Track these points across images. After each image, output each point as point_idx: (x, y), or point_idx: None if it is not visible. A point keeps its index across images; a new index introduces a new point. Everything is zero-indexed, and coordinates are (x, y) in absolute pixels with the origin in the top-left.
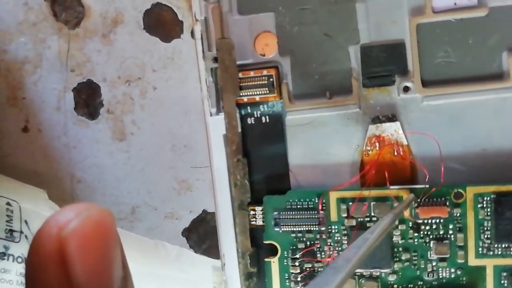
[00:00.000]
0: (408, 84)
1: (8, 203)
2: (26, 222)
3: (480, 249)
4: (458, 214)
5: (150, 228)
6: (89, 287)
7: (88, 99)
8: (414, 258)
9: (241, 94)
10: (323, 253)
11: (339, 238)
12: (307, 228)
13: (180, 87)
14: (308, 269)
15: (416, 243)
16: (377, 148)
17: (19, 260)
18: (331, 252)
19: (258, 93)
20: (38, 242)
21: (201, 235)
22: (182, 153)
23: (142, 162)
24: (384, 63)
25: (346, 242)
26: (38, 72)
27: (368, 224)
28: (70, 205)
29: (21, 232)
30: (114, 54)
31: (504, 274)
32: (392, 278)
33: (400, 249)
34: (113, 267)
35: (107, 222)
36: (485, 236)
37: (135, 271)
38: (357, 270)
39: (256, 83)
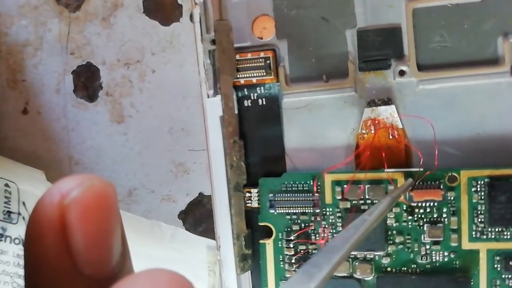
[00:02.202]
0: (404, 68)
1: (6, 185)
2: (24, 203)
3: (473, 232)
4: (452, 198)
5: (147, 211)
6: (88, 256)
7: (87, 81)
8: (407, 241)
9: (238, 76)
10: (317, 235)
11: (333, 221)
12: (302, 210)
13: (179, 70)
14: (302, 251)
15: (410, 226)
16: (373, 131)
17: (16, 241)
18: (325, 234)
19: (255, 75)
20: (39, 209)
21: (197, 218)
22: (179, 136)
23: (139, 144)
24: (380, 47)
25: (340, 224)
26: (39, 55)
27: (362, 207)
28: (73, 175)
29: (19, 213)
30: (114, 37)
31: (498, 258)
32: (385, 261)
33: (394, 232)
34: (113, 239)
35: (109, 194)
36: (479, 220)
37: (131, 252)
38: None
39: (253, 65)
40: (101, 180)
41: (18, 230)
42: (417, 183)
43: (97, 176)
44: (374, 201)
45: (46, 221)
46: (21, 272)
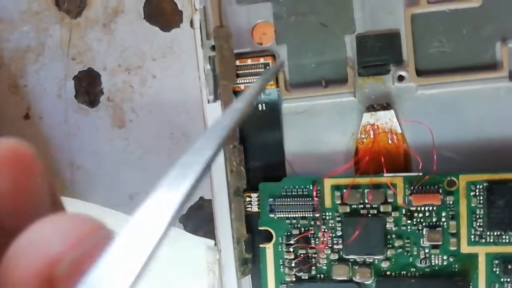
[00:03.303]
0: (403, 73)
1: None
2: None
3: (472, 236)
4: (451, 202)
5: None
6: (9, 212)
7: (88, 87)
8: (407, 245)
9: (238, 82)
10: (317, 239)
11: (333, 225)
12: (301, 215)
13: (179, 76)
14: (302, 255)
15: (409, 230)
16: (372, 136)
17: None
18: (325, 239)
19: (255, 80)
20: None
21: (198, 222)
22: (180, 141)
23: (140, 149)
24: (379, 52)
25: (340, 228)
26: (40, 60)
27: (361, 211)
28: None
29: None
30: (115, 43)
31: (496, 261)
32: (385, 265)
33: (393, 236)
34: (34, 192)
35: (24, 150)
36: (478, 224)
37: None
38: (350, 256)
39: (253, 70)
40: (14, 139)
41: None
42: (416, 187)
43: (12, 138)
44: (374, 206)
45: None
46: None
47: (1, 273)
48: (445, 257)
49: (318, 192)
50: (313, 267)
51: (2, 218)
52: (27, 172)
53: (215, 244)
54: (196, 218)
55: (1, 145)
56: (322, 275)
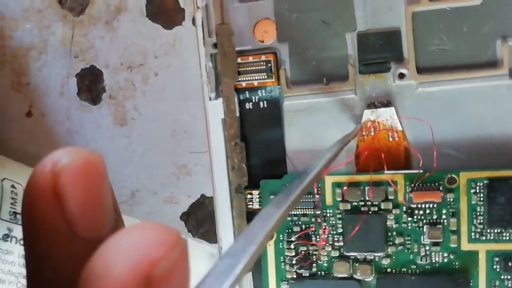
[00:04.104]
0: (403, 71)
1: (12, 186)
2: None
3: (472, 234)
4: (451, 199)
5: (150, 212)
6: (82, 220)
7: (91, 84)
8: (407, 242)
9: (239, 79)
10: (317, 237)
11: (334, 222)
12: (302, 212)
13: (181, 73)
14: (303, 252)
15: (409, 227)
16: (372, 133)
17: (22, 242)
18: (325, 235)
19: (256, 78)
20: (33, 178)
21: (199, 219)
22: (181, 138)
23: (142, 147)
24: (380, 50)
25: (341, 225)
26: (43, 58)
27: (362, 209)
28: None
29: None
30: (117, 41)
31: (497, 259)
32: (385, 262)
33: (394, 233)
34: (104, 204)
35: (97, 161)
36: (478, 221)
37: None
38: (351, 253)
39: (254, 68)
40: (88, 150)
41: None
42: (416, 184)
43: (84, 148)
44: (374, 203)
45: (39, 188)
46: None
47: (94, 275)
48: (445, 254)
49: (319, 189)
50: (314, 264)
51: (78, 225)
52: (100, 183)
53: (217, 242)
54: (197, 215)
55: (76, 156)
56: (323, 272)
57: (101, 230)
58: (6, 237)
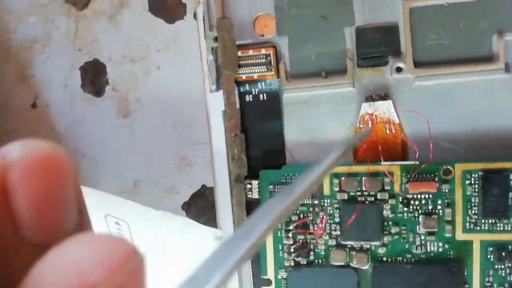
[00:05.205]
0: (401, 65)
1: None
2: None
3: (467, 224)
4: (446, 190)
5: (151, 202)
6: (31, 221)
7: (94, 77)
8: (403, 231)
9: (240, 72)
10: (315, 225)
11: (331, 211)
12: (300, 202)
13: (182, 66)
14: (300, 240)
15: (405, 217)
16: (370, 126)
17: None
18: (323, 224)
19: (256, 71)
20: None
21: (200, 209)
22: (183, 130)
23: (144, 138)
24: (378, 44)
25: (338, 215)
26: (47, 51)
27: (359, 198)
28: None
29: None
30: (120, 35)
31: (491, 249)
32: (381, 251)
33: (390, 222)
34: (63, 204)
35: (56, 156)
36: (473, 212)
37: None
38: (348, 242)
39: (254, 61)
40: (48, 143)
41: None
42: (413, 175)
43: (45, 141)
44: (371, 193)
45: None
46: None
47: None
48: (440, 244)
49: None
50: (312, 252)
51: (27, 228)
52: (57, 181)
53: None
54: (198, 205)
55: (35, 149)
56: (320, 260)
57: (55, 235)
58: None
